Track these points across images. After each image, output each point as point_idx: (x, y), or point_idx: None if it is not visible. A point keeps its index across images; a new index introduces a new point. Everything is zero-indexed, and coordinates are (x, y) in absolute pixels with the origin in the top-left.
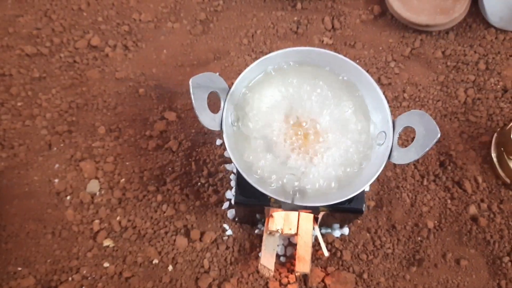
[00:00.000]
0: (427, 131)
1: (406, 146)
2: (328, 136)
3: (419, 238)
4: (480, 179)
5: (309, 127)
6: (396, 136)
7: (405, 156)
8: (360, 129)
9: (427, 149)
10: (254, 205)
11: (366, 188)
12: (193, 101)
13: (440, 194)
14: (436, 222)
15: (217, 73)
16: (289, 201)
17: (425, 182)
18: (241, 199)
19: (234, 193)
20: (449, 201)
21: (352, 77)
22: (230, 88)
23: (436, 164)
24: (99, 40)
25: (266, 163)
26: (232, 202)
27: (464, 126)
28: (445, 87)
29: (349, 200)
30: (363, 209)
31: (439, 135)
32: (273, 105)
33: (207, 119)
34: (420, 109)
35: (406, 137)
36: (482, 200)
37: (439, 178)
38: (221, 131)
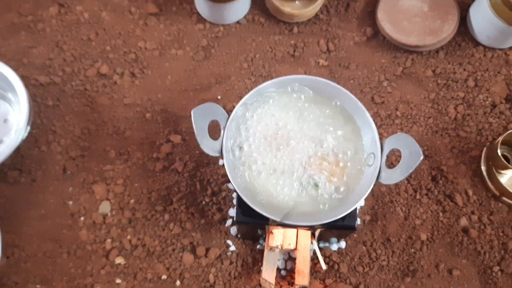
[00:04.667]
0: (411, 153)
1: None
2: (325, 159)
3: (412, 250)
4: (470, 192)
5: (306, 151)
6: (384, 157)
7: (392, 177)
8: (354, 152)
9: (411, 170)
10: (254, 223)
11: (359, 205)
12: (195, 131)
13: (432, 207)
14: (428, 234)
15: (219, 97)
16: (284, 221)
17: (417, 196)
18: (242, 218)
19: (235, 213)
20: (441, 214)
21: (343, 101)
22: (229, 115)
23: (428, 179)
24: (108, 68)
25: (265, 185)
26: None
27: (454, 142)
28: (436, 104)
29: (342, 218)
30: (356, 226)
31: (422, 157)
32: (270, 130)
33: (208, 146)
34: (412, 126)
35: (397, 158)
36: (472, 212)
37: (431, 192)
38: (221, 156)
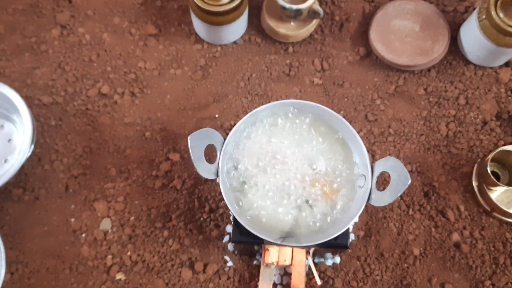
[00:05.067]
0: (400, 177)
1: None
2: (320, 180)
3: (406, 265)
4: (462, 208)
5: (301, 172)
6: (375, 180)
7: (381, 199)
8: (347, 174)
9: (400, 193)
10: (250, 243)
11: (351, 224)
12: (192, 156)
13: (425, 222)
14: (421, 249)
15: (216, 115)
16: (279, 243)
17: (410, 212)
18: (238, 237)
19: (232, 232)
20: (433, 229)
21: (335, 124)
22: (225, 139)
23: (420, 195)
24: (109, 88)
25: (260, 207)
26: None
27: (446, 158)
28: (428, 121)
29: (335, 237)
30: (348, 244)
31: (409, 182)
32: (266, 152)
33: (205, 170)
34: (404, 143)
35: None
36: (464, 228)
37: (423, 208)
38: (217, 179)
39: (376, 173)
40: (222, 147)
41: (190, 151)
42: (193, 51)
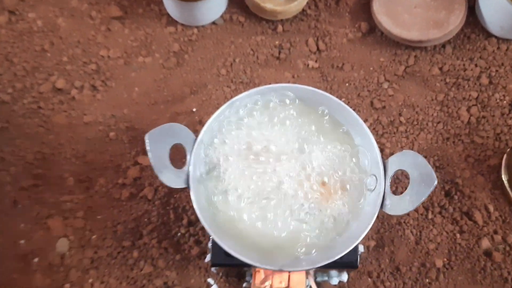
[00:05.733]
0: (422, 176)
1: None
2: (315, 182)
3: (427, 280)
4: (491, 208)
5: (294, 173)
6: (388, 181)
7: (399, 206)
8: (350, 172)
9: (423, 198)
10: (234, 266)
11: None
12: (151, 160)
13: (447, 227)
14: (445, 260)
15: (194, 109)
16: (269, 268)
17: (430, 216)
18: (220, 260)
19: (211, 253)
20: (458, 235)
21: (334, 111)
22: (197, 137)
23: (441, 194)
24: (65, 82)
25: (244, 220)
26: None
27: (469, 149)
28: (445, 106)
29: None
30: (357, 263)
31: (435, 183)
32: (248, 150)
33: (171, 177)
34: (419, 133)
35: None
36: (495, 232)
37: (445, 210)
38: (188, 188)
39: (390, 173)
40: (193, 147)
41: (149, 154)
42: (165, 34)
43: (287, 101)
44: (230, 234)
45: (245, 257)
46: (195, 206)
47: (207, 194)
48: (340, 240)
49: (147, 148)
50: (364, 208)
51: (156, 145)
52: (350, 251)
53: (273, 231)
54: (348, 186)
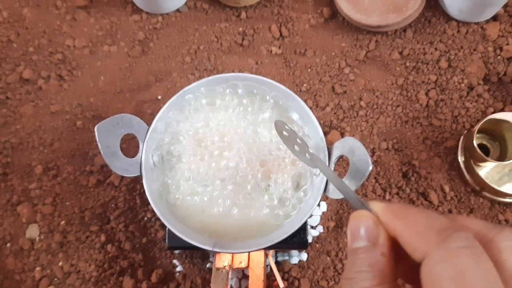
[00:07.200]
0: (360, 161)
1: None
2: (267, 168)
3: None
4: (447, 188)
5: (247, 154)
6: (332, 166)
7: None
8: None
9: (361, 183)
10: (190, 248)
11: (316, 214)
12: (101, 151)
13: None
14: None
15: (159, 96)
16: (218, 250)
17: (387, 197)
18: (175, 243)
19: (167, 236)
20: None
21: (281, 97)
22: (149, 126)
23: (398, 176)
24: (31, 72)
25: (197, 204)
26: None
27: (427, 132)
28: (404, 90)
29: (291, 235)
30: (307, 242)
31: (370, 168)
32: (202, 135)
33: (121, 168)
34: (378, 117)
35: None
36: (450, 211)
37: (402, 191)
38: (140, 176)
39: (334, 158)
40: (146, 136)
41: (99, 145)
42: (130, 23)
43: (239, 91)
44: (180, 217)
45: (193, 240)
46: (147, 192)
47: (162, 180)
48: (287, 222)
49: (97, 139)
50: (308, 192)
51: (107, 136)
52: (300, 232)
53: (225, 212)
54: (293, 173)
